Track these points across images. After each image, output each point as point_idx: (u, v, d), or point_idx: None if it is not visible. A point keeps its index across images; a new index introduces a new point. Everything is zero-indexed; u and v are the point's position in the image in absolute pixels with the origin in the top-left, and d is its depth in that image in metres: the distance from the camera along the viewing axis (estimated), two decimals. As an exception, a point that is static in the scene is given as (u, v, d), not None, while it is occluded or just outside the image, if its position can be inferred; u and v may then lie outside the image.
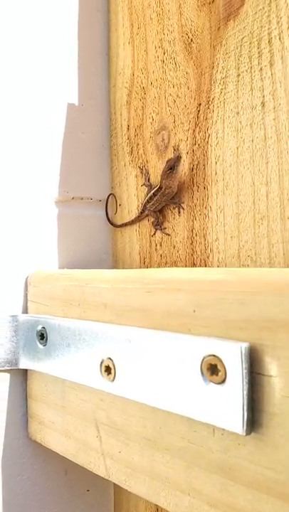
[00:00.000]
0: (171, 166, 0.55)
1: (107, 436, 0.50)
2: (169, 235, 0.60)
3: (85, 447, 0.53)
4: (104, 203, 0.70)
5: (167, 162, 0.56)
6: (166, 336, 0.42)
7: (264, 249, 0.48)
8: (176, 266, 0.58)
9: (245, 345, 0.36)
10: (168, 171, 0.55)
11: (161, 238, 0.61)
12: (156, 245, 0.62)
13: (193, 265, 0.56)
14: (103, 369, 0.49)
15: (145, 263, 0.64)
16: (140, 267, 0.64)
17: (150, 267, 0.63)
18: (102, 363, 0.49)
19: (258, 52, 0.48)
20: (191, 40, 0.57)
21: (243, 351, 0.36)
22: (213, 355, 0.38)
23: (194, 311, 0.41)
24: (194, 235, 0.56)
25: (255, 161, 0.48)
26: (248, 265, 0.49)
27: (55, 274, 0.59)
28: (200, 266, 0.55)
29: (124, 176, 0.68)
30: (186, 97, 0.57)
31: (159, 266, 0.61)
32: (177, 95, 0.59)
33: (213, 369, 0.38)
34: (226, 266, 0.52)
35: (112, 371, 0.48)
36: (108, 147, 0.72)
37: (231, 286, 0.38)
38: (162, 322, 0.43)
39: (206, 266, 0.54)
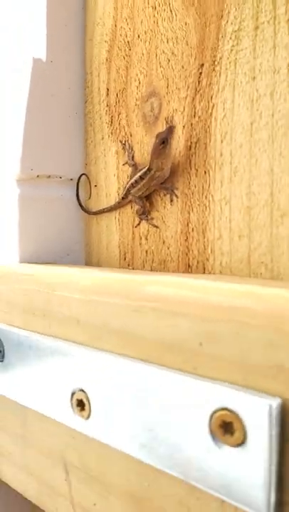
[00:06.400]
0: (164, 139, 0.43)
1: (79, 482, 0.40)
2: (157, 227, 0.49)
3: (50, 491, 0.43)
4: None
5: (158, 136, 0.44)
6: (160, 374, 0.32)
7: (284, 256, 0.37)
8: (166, 266, 0.48)
9: (275, 402, 0.26)
10: (160, 147, 0.43)
11: (148, 230, 0.50)
12: (140, 238, 0.51)
13: (188, 267, 0.45)
14: (74, 403, 0.38)
15: (126, 259, 0.53)
16: (120, 264, 0.53)
17: (132, 265, 0.52)
18: (73, 394, 0.38)
19: (286, -2, 0.37)
20: (193, -18, 0.45)
21: (274, 411, 0.26)
22: (228, 410, 0.28)
23: (201, 345, 0.30)
24: (190, 230, 0.45)
25: (276, 142, 0.38)
26: (260, 274, 0.39)
27: (14, 272, 0.48)
28: (197, 269, 0.45)
29: (101, 151, 0.56)
30: (185, 56, 0.45)
31: (143, 264, 0.50)
32: (172, 52, 0.47)
33: (226, 426, 0.28)
34: (231, 272, 0.41)
35: (86, 407, 0.37)
36: (82, 115, 0.59)
37: (256, 318, 0.28)
38: (155, 353, 0.33)
39: (204, 270, 0.44)
